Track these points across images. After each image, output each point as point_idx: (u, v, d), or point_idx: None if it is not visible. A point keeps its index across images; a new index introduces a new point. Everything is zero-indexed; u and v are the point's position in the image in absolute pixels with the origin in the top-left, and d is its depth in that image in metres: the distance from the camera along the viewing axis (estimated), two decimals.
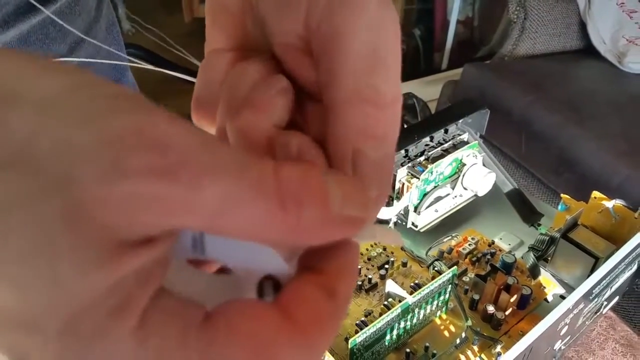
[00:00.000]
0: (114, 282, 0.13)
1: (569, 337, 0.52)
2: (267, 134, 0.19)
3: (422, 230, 0.62)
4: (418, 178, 0.57)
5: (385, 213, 0.60)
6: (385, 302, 0.52)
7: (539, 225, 0.65)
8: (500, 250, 0.61)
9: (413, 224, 0.62)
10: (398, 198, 0.59)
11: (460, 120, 0.63)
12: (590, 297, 0.49)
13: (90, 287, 0.12)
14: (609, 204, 0.57)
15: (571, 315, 0.46)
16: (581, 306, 0.47)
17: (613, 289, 0.55)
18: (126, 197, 0.12)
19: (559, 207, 0.62)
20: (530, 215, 0.66)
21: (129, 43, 1.98)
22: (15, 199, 0.12)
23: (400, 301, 0.49)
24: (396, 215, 0.62)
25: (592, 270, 0.55)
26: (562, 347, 0.52)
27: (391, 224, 0.62)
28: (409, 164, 0.58)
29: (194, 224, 0.14)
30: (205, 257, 0.16)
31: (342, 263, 0.16)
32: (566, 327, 0.47)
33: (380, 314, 0.48)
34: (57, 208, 0.12)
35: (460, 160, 0.62)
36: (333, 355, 0.48)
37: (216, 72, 0.21)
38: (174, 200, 0.13)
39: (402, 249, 0.61)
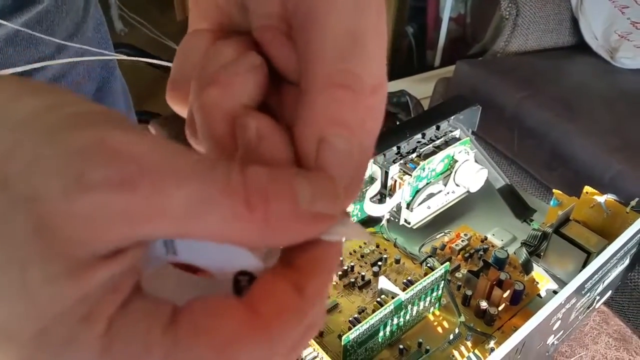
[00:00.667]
0: (83, 293, 0.13)
1: (562, 331, 0.52)
2: (232, 113, 0.18)
3: (414, 227, 0.62)
4: (410, 175, 0.57)
5: (377, 210, 0.60)
6: (378, 299, 0.52)
7: (532, 220, 0.65)
8: (492, 246, 0.62)
9: (406, 220, 0.62)
10: (390, 195, 0.59)
11: (452, 117, 0.63)
12: (583, 292, 0.49)
13: (59, 297, 0.13)
14: (601, 199, 0.57)
15: (564, 310, 0.46)
16: (573, 301, 0.47)
17: (605, 283, 0.56)
18: (88, 211, 0.13)
19: (551, 202, 0.62)
20: (523, 211, 0.66)
21: (121, 43, 1.97)
22: None
23: (393, 298, 0.49)
24: (389, 212, 0.62)
25: (584, 265, 0.55)
26: (555, 342, 0.52)
27: (384, 221, 0.62)
28: (401, 161, 0.58)
29: (161, 233, 0.14)
30: (178, 259, 0.16)
31: (314, 259, 0.16)
32: (559, 321, 0.47)
33: (374, 311, 0.48)
34: (25, 222, 0.13)
35: (452, 157, 0.62)
36: (327, 353, 0.48)
37: (193, 52, 0.20)
38: (136, 211, 0.13)
39: (395, 245, 0.61)
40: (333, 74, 0.18)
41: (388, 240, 0.62)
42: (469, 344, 0.51)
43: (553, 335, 0.49)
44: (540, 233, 0.60)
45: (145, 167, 0.13)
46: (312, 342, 0.49)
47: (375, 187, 0.59)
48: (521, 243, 0.60)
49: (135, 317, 0.14)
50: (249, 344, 0.14)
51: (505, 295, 0.53)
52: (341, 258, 0.58)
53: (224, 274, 0.16)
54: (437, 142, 0.61)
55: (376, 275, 0.57)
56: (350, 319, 0.51)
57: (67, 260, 0.13)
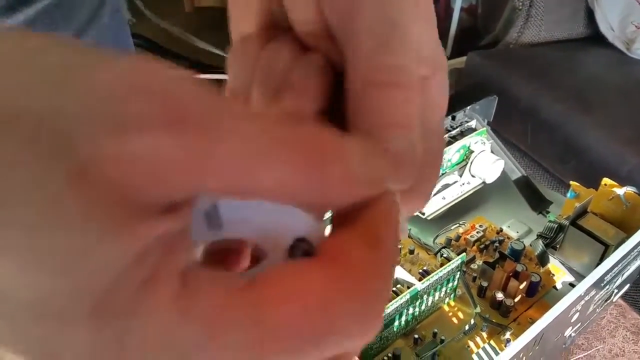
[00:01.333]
0: (139, 251, 0.11)
1: (580, 324, 0.51)
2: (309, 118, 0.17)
3: (429, 218, 0.61)
4: None
5: None
6: (394, 289, 0.52)
7: (548, 212, 0.65)
8: (508, 238, 0.61)
9: (420, 211, 0.61)
10: None
11: (468, 107, 0.62)
12: (602, 284, 0.48)
13: (113, 257, 0.11)
14: (620, 191, 0.56)
15: (582, 302, 0.46)
16: (592, 293, 0.47)
17: (624, 276, 0.55)
18: (139, 152, 0.11)
19: (568, 194, 0.61)
20: (539, 203, 0.66)
21: (131, 33, 1.97)
22: (13, 170, 0.11)
23: (408, 287, 0.48)
24: None
25: (602, 258, 0.55)
26: (573, 334, 0.52)
27: None
28: None
29: (217, 184, 0.12)
30: (223, 232, 0.14)
31: (379, 211, 0.15)
32: (577, 314, 0.47)
33: (389, 300, 0.47)
34: (62, 171, 0.11)
35: (468, 147, 0.61)
36: None
37: (248, 59, 0.19)
38: (190, 155, 0.11)
39: (409, 236, 0.61)
40: (374, 71, 0.17)
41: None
42: (484, 334, 0.51)
43: (571, 327, 0.49)
44: (556, 225, 0.59)
45: (198, 101, 0.12)
46: None
47: None
48: (537, 235, 0.60)
49: (209, 278, 0.12)
50: (338, 306, 0.13)
51: (521, 286, 0.53)
52: None
53: (276, 248, 0.15)
54: (453, 132, 0.61)
55: None
56: None
57: (116, 213, 0.11)
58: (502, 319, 0.53)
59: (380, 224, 0.15)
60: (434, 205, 0.61)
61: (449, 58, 2.20)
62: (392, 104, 0.16)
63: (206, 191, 0.12)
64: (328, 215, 0.16)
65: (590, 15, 1.61)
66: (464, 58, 1.67)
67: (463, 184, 0.63)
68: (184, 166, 0.12)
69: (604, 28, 1.58)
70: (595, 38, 1.61)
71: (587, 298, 0.46)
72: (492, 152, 0.63)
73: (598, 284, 0.47)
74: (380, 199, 0.15)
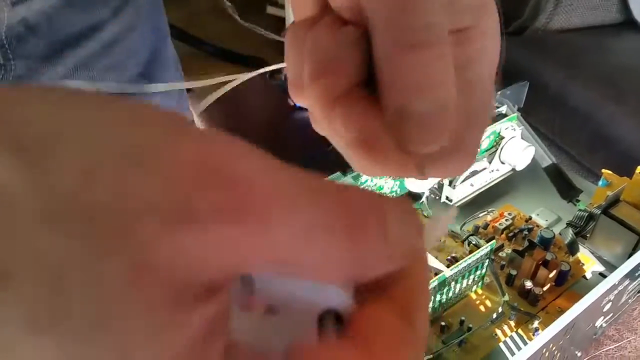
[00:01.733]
0: (188, 341, 0.11)
1: (611, 314, 0.50)
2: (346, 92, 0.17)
3: (457, 205, 0.60)
4: None
5: (418, 186, 0.59)
6: None
7: (578, 201, 0.63)
8: (537, 226, 0.60)
9: (447, 198, 0.60)
10: None
11: (499, 93, 0.61)
12: (636, 274, 0.47)
13: (165, 351, 0.11)
14: None
15: (616, 292, 0.45)
16: (626, 283, 0.46)
17: None
18: (197, 244, 0.11)
19: (600, 182, 0.60)
20: (569, 191, 0.64)
21: None
22: (68, 261, 0.10)
23: (436, 274, 0.48)
24: (429, 189, 0.60)
25: (635, 247, 0.53)
26: (604, 325, 0.51)
27: (424, 198, 0.61)
28: None
29: (262, 267, 0.12)
30: (256, 296, 0.14)
31: (412, 283, 0.14)
32: (610, 304, 0.46)
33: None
34: (121, 265, 0.10)
35: (499, 134, 0.60)
36: None
37: (299, 43, 0.19)
38: (246, 243, 0.11)
39: None
40: (394, 34, 0.16)
41: (428, 217, 0.61)
42: (512, 323, 0.50)
43: (602, 318, 0.48)
44: (586, 214, 0.58)
45: (257, 191, 0.11)
46: None
47: None
48: (567, 224, 0.59)
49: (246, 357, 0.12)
50: None
51: (551, 275, 0.52)
52: None
53: (306, 311, 0.14)
54: None
55: None
56: None
57: (173, 303, 0.10)
58: (530, 307, 0.52)
59: (414, 297, 0.14)
60: (462, 192, 0.60)
61: None
62: (415, 66, 0.16)
63: (255, 271, 0.12)
64: None
65: (623, 1, 1.57)
66: None
67: (492, 170, 0.62)
68: (237, 253, 0.11)
69: (637, 14, 1.54)
70: (628, 24, 1.57)
71: (620, 288, 0.45)
72: (522, 138, 0.62)
73: (632, 274, 0.46)
74: (414, 268, 0.15)
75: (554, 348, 0.42)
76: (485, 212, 0.62)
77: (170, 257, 0.10)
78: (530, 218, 0.61)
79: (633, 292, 0.51)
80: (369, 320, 0.14)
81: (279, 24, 1.77)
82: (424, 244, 0.15)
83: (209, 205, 0.11)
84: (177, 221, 0.10)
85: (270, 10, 1.85)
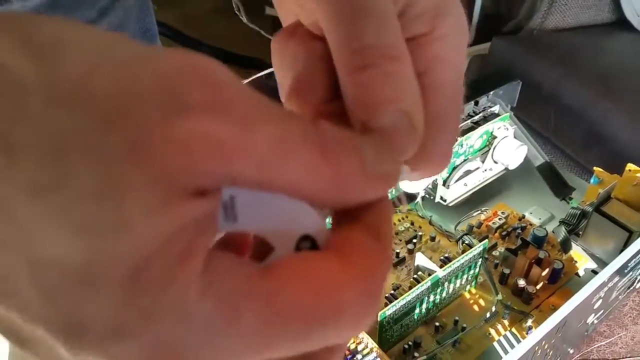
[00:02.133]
0: (179, 226, 0.12)
1: (602, 311, 0.51)
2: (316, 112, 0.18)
3: (450, 205, 0.61)
4: None
5: (413, 187, 0.60)
6: (415, 276, 0.52)
7: (570, 199, 0.64)
8: (530, 225, 0.61)
9: (442, 197, 0.61)
10: None
11: (491, 92, 0.62)
12: (625, 271, 0.48)
13: (157, 229, 0.12)
14: None
15: (606, 289, 0.45)
16: (616, 279, 0.46)
17: None
18: (187, 135, 0.12)
19: (591, 180, 0.60)
20: (562, 189, 0.65)
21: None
22: (72, 136, 0.11)
23: (429, 275, 0.48)
24: (424, 189, 0.61)
25: (626, 244, 0.54)
26: (595, 322, 0.51)
27: (419, 199, 0.62)
28: None
29: (246, 172, 0.13)
30: (237, 225, 0.15)
31: (379, 210, 0.16)
32: (600, 300, 0.46)
33: (410, 288, 0.47)
34: (120, 144, 0.11)
35: (491, 133, 0.61)
36: None
37: (282, 53, 0.20)
38: (229, 141, 0.12)
39: (430, 223, 0.60)
40: (347, 57, 0.17)
41: (423, 218, 0.61)
42: (505, 322, 0.51)
43: (593, 314, 0.49)
44: (579, 211, 0.58)
45: (239, 96, 0.13)
46: None
47: None
48: (560, 221, 0.59)
49: (229, 261, 0.13)
50: (352, 292, 0.14)
51: (544, 273, 0.52)
52: None
53: (284, 243, 0.16)
54: (476, 117, 0.60)
55: (411, 252, 0.57)
56: (386, 295, 0.51)
57: (164, 188, 0.12)
58: (524, 306, 0.52)
59: (382, 222, 0.16)
60: (456, 192, 0.61)
61: (472, 45, 2.18)
62: (373, 84, 0.17)
63: (234, 179, 0.13)
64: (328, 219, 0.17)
65: (615, 0, 1.57)
66: (487, 44, 1.65)
67: (485, 170, 0.62)
68: (224, 150, 0.12)
69: (629, 14, 1.55)
70: (621, 24, 1.58)
71: (610, 285, 0.46)
72: (515, 137, 0.62)
73: (621, 271, 0.46)
74: (382, 200, 0.16)
75: (546, 346, 0.42)
76: (479, 212, 0.62)
77: (165, 143, 0.12)
78: (524, 216, 0.62)
79: (623, 288, 0.52)
80: (345, 241, 0.15)
81: (277, 25, 1.78)
82: (398, 172, 0.16)
83: (200, 101, 0.12)
84: (172, 110, 0.12)
85: (269, 11, 1.85)
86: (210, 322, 0.12)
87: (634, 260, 0.48)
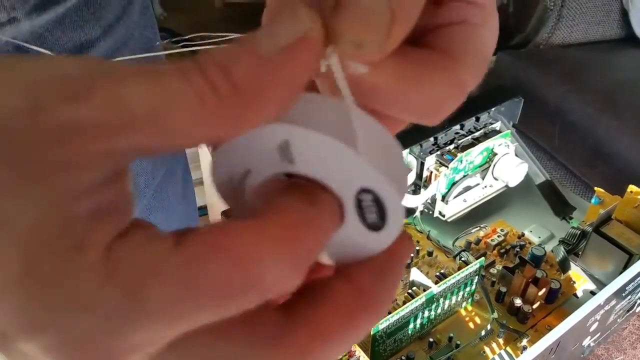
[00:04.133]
0: (68, 219, 0.12)
1: (599, 334, 0.50)
2: None
3: (449, 220, 0.60)
4: (447, 166, 0.56)
5: (411, 201, 0.59)
6: (410, 291, 0.52)
7: (571, 218, 0.64)
8: (529, 243, 0.60)
9: (440, 213, 0.61)
10: (425, 186, 0.58)
11: (493, 109, 0.61)
12: (623, 294, 0.47)
13: (42, 225, 0.12)
14: None
15: (602, 312, 0.45)
16: (613, 303, 0.46)
17: None
18: (52, 129, 0.12)
19: (592, 200, 0.60)
20: (562, 208, 0.64)
21: (161, 27, 1.99)
22: None
23: (424, 290, 0.48)
24: (423, 204, 0.61)
25: (626, 266, 0.53)
26: (592, 344, 0.51)
27: (417, 213, 0.61)
28: (438, 152, 0.57)
29: (136, 143, 0.13)
30: (294, 168, 0.15)
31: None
32: (596, 323, 0.46)
33: (404, 302, 0.47)
34: (19, 101, 0.12)
35: (492, 150, 0.60)
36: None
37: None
38: (101, 120, 0.12)
39: (427, 238, 0.60)
40: None
41: (421, 232, 0.61)
42: (500, 341, 0.50)
43: (589, 337, 0.48)
44: (579, 231, 0.58)
45: (96, 75, 0.13)
46: None
47: (410, 177, 0.58)
48: (559, 241, 0.59)
49: (137, 242, 0.13)
50: (266, 255, 0.13)
51: (540, 293, 0.52)
52: None
53: (344, 192, 0.15)
54: (476, 134, 0.60)
55: (407, 267, 0.56)
56: None
57: (44, 185, 0.12)
58: (519, 325, 0.52)
59: (322, 191, 0.15)
60: (455, 208, 0.61)
61: None
62: None
63: (132, 151, 0.13)
64: None
65: (625, 16, 1.57)
66: (493, 57, 1.65)
67: (485, 186, 0.62)
68: (98, 129, 0.12)
69: (638, 30, 1.54)
70: (629, 40, 1.57)
71: (607, 307, 0.45)
72: (516, 155, 0.62)
73: (619, 294, 0.46)
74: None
75: None
76: (478, 228, 0.62)
77: (36, 139, 0.12)
78: (523, 234, 0.61)
79: (622, 311, 0.51)
80: (268, 206, 0.15)
81: None
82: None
83: (54, 95, 0.12)
84: (33, 111, 0.12)
85: None
86: (116, 308, 0.13)
87: (633, 283, 0.47)
